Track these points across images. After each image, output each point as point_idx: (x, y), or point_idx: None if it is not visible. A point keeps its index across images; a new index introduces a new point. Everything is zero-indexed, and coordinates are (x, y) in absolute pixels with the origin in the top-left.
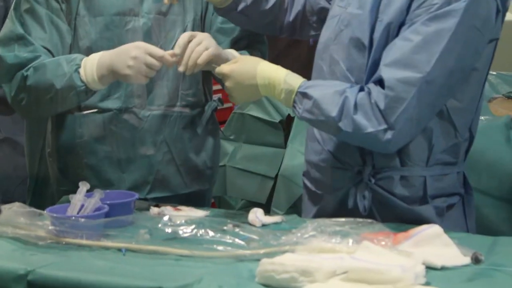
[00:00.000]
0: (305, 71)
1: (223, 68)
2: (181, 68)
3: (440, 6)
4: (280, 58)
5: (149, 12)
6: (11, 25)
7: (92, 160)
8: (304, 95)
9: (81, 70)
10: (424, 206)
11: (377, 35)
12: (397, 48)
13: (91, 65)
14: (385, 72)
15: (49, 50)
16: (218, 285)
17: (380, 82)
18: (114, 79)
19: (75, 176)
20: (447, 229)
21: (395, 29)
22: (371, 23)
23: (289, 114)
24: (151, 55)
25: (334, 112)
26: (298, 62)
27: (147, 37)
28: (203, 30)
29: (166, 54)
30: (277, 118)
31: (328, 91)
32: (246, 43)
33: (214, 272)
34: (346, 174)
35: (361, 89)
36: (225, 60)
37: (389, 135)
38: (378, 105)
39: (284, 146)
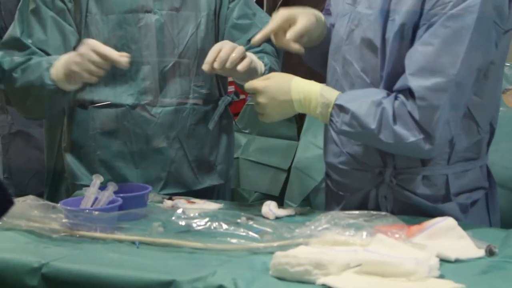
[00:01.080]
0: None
1: (256, 84)
2: (216, 65)
3: (454, 4)
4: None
5: (161, 8)
6: (12, 27)
7: (105, 155)
8: (341, 108)
9: (52, 69)
10: (448, 204)
11: (390, 35)
12: (419, 54)
13: (58, 64)
14: (412, 82)
15: (47, 52)
16: (232, 278)
17: (410, 92)
18: (76, 80)
19: (89, 171)
20: (466, 223)
21: (409, 30)
22: (383, 23)
23: None
24: (95, 51)
25: (373, 125)
26: None
27: (160, 33)
28: (217, 26)
29: (111, 52)
30: None
31: (364, 103)
32: (261, 48)
33: (228, 265)
34: (366, 175)
35: (396, 98)
36: (254, 70)
37: (430, 144)
38: (413, 115)
39: (297, 138)
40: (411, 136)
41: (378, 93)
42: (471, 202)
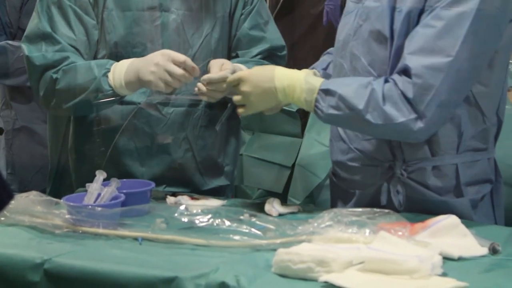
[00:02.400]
0: None
1: (240, 73)
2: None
3: None
4: (295, 48)
5: (179, 8)
6: (37, 21)
7: (113, 153)
8: (327, 91)
9: (110, 75)
10: (460, 199)
11: (397, 25)
12: (420, 35)
13: (119, 71)
14: (410, 60)
15: (76, 48)
16: (234, 274)
17: (405, 72)
18: (141, 86)
19: (96, 168)
20: (478, 221)
21: (415, 17)
22: (390, 14)
23: None
24: (173, 61)
25: (361, 105)
26: (314, 52)
27: (176, 33)
28: (230, 29)
29: (189, 60)
30: (294, 107)
31: (352, 85)
32: (266, 54)
33: (231, 262)
34: (377, 170)
35: (386, 81)
36: None
37: (420, 123)
38: (406, 94)
39: (301, 135)
40: (400, 116)
41: (366, 78)
42: (481, 197)
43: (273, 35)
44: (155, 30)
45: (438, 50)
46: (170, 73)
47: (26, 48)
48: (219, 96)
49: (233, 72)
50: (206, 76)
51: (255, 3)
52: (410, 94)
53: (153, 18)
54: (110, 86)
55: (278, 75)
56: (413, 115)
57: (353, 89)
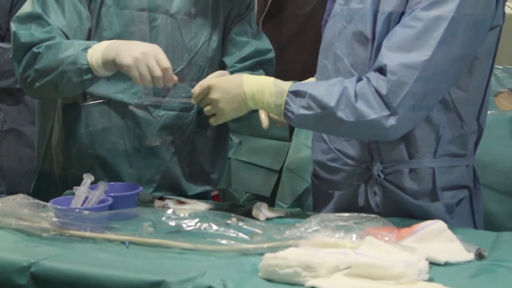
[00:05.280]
0: (309, 62)
1: (208, 81)
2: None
3: None
4: (284, 50)
5: (178, 12)
6: (30, 4)
7: (100, 153)
8: (297, 93)
9: (89, 50)
10: (435, 203)
11: (379, 27)
12: (398, 34)
13: (99, 47)
14: (387, 58)
15: (65, 34)
16: (221, 279)
17: (380, 69)
18: (117, 68)
19: (83, 168)
20: (455, 225)
21: (396, 19)
22: (373, 16)
23: None
24: (158, 61)
25: (332, 102)
26: (302, 54)
27: (171, 36)
28: (222, 35)
29: (171, 70)
30: None
31: (321, 85)
32: (255, 61)
33: (218, 266)
34: (355, 171)
35: (359, 79)
36: None
37: (392, 120)
38: (380, 91)
39: (289, 139)
40: (372, 113)
41: (337, 78)
42: (456, 201)
43: (259, 40)
44: (151, 31)
45: (415, 49)
46: (149, 69)
47: (14, 26)
48: None
49: None
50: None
51: (247, 12)
52: (383, 91)
53: (151, 19)
54: (86, 61)
55: (246, 81)
56: (386, 112)
57: (324, 88)
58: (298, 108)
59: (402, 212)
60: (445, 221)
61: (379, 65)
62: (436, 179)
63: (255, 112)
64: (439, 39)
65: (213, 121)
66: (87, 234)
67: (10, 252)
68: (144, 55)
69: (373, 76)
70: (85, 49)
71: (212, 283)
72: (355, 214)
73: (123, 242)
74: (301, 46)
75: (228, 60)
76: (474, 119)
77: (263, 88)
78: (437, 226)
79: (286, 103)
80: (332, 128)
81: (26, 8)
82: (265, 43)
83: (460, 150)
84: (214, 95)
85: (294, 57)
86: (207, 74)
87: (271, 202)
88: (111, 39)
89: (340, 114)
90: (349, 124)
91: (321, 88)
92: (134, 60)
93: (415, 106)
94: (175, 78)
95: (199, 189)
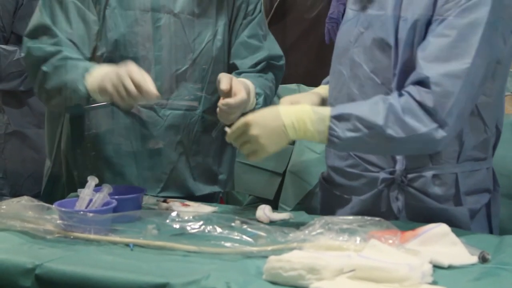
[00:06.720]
0: (313, 65)
1: (244, 119)
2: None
3: None
4: (288, 53)
5: (182, 11)
6: (39, 15)
7: (107, 154)
8: (340, 117)
9: (88, 76)
10: (459, 208)
11: (402, 34)
12: (434, 45)
13: (95, 74)
14: (427, 69)
15: (74, 43)
16: (225, 281)
17: (421, 82)
18: (105, 95)
19: (90, 170)
20: (474, 230)
21: (422, 27)
22: (395, 23)
23: None
24: (132, 78)
25: (380, 121)
26: (308, 57)
27: (177, 36)
28: (230, 36)
29: (147, 84)
30: None
31: (364, 105)
32: (265, 65)
33: (222, 269)
34: (376, 177)
35: (400, 94)
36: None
37: (443, 132)
38: (426, 104)
39: (293, 142)
40: (422, 126)
41: (376, 97)
42: (479, 207)
43: (271, 45)
44: (155, 31)
45: (454, 57)
46: (125, 89)
47: (27, 41)
48: (232, 118)
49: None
50: (225, 101)
51: (256, 14)
52: (430, 103)
53: (155, 19)
54: (85, 88)
55: (283, 112)
56: (434, 125)
57: (367, 107)
58: (343, 131)
59: (425, 217)
60: (468, 225)
61: (419, 77)
62: (459, 184)
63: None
64: (477, 45)
65: (252, 158)
66: (91, 236)
67: (14, 254)
68: (117, 77)
69: (414, 89)
70: (83, 75)
71: (216, 285)
72: (359, 217)
73: (127, 245)
74: (306, 50)
75: (239, 63)
76: (494, 123)
77: (303, 117)
78: (440, 229)
79: (330, 128)
80: (380, 147)
81: (35, 20)
82: (276, 48)
83: (481, 154)
84: (253, 131)
85: (298, 60)
86: (211, 74)
87: (274, 205)
88: (116, 40)
89: (389, 131)
90: (399, 141)
91: (364, 107)
92: (112, 86)
93: (459, 115)
94: (154, 92)
95: (207, 189)
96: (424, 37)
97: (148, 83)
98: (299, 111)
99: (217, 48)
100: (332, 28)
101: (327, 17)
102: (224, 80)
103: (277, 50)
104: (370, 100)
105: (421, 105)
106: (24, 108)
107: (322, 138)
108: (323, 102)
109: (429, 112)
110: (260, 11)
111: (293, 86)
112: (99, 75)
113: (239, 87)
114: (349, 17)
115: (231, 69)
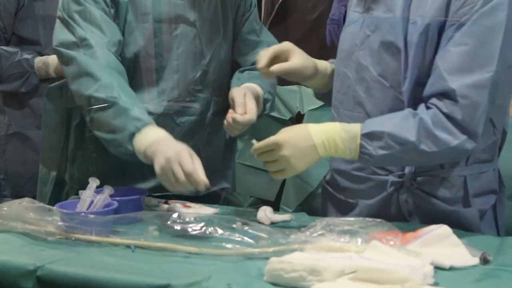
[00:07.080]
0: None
1: (275, 139)
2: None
3: (484, 2)
4: None
5: (197, 19)
6: (66, 30)
7: (124, 162)
8: (371, 135)
9: (138, 136)
10: (469, 210)
11: (412, 37)
12: (454, 54)
13: (146, 140)
14: (451, 81)
15: (111, 51)
16: (227, 283)
17: (446, 94)
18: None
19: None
20: (483, 231)
21: (434, 31)
22: (404, 26)
23: (299, 112)
24: (181, 165)
25: (412, 137)
26: None
27: (192, 44)
28: (232, 35)
29: (196, 173)
30: (287, 116)
31: (394, 121)
32: None
33: (223, 270)
34: (385, 179)
35: (427, 107)
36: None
37: (473, 142)
38: (454, 116)
39: None
40: (454, 139)
41: (403, 111)
42: (488, 208)
43: (268, 38)
44: (173, 41)
45: (477, 66)
46: (174, 176)
47: (69, 52)
48: (238, 132)
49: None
50: (234, 116)
51: (252, 9)
52: (458, 116)
53: (172, 29)
54: (133, 147)
55: (313, 132)
56: (464, 136)
57: (398, 123)
58: (375, 149)
59: (434, 219)
60: (477, 227)
61: (444, 89)
62: (468, 186)
63: (259, 118)
64: (499, 51)
65: (279, 176)
66: (93, 238)
67: (16, 255)
68: (167, 162)
69: (440, 103)
70: (134, 134)
71: (217, 287)
72: (360, 218)
73: (128, 246)
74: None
75: (241, 60)
76: (502, 125)
77: (333, 136)
78: (442, 230)
79: (362, 146)
80: (412, 161)
81: (63, 35)
82: (272, 39)
83: (489, 156)
84: (284, 152)
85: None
86: (219, 76)
87: (275, 206)
88: (135, 53)
89: (422, 147)
90: (432, 154)
91: (395, 123)
92: (161, 168)
93: (485, 121)
94: (203, 181)
95: (217, 185)
96: (437, 41)
97: (198, 172)
98: (329, 129)
99: (224, 50)
100: (334, 29)
101: (328, 19)
102: (239, 100)
103: (273, 41)
104: (398, 114)
105: (449, 117)
106: (25, 109)
107: (353, 155)
108: (317, 71)
109: (458, 124)
110: (255, 5)
111: (294, 87)
112: (147, 145)
113: (252, 106)
114: (352, 19)
115: (234, 67)
